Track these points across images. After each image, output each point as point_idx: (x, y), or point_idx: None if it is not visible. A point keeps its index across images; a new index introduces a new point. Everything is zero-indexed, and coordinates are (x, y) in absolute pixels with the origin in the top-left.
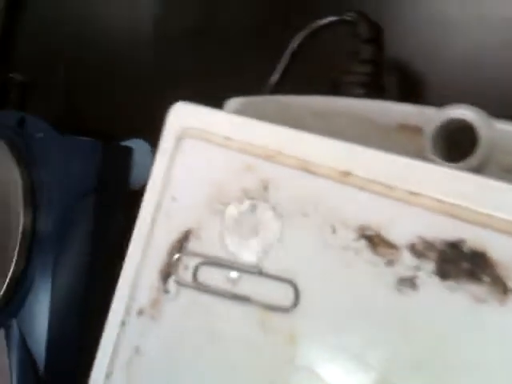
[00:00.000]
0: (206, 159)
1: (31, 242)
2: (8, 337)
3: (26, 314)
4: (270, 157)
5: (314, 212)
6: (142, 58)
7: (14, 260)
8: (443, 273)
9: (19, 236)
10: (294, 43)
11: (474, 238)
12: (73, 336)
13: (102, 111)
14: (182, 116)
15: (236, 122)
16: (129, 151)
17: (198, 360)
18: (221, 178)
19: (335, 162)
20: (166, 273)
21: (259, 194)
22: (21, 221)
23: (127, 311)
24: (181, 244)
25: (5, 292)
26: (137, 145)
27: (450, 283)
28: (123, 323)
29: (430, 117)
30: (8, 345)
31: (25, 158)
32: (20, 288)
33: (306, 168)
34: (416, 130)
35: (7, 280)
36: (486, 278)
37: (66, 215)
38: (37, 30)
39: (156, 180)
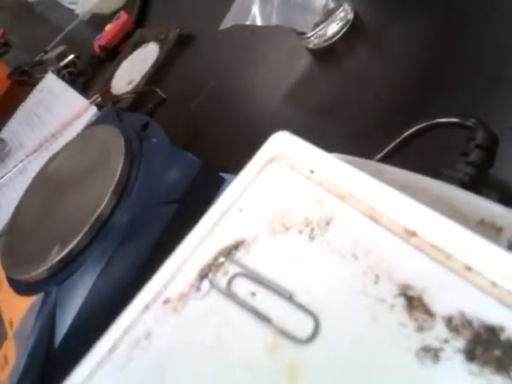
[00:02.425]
0: (285, 184)
1: (102, 226)
2: (44, 301)
3: (67, 288)
4: (342, 196)
5: (364, 257)
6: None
7: (81, 235)
8: (471, 354)
9: (95, 216)
10: (408, 132)
11: None
12: (97, 327)
13: (214, 144)
14: (280, 142)
15: (323, 158)
16: (221, 180)
17: (198, 361)
18: (291, 203)
19: (404, 219)
20: (205, 272)
21: (320, 227)
22: (103, 203)
23: (155, 297)
24: (229, 251)
25: (60, 260)
26: (231, 179)
27: (474, 367)
28: (147, 307)
29: None
30: (40, 309)
31: (132, 151)
32: (74, 262)
33: (372, 215)
34: (497, 229)
35: (67, 250)
36: None
37: (144, 214)
38: (195, 64)
39: (232, 190)
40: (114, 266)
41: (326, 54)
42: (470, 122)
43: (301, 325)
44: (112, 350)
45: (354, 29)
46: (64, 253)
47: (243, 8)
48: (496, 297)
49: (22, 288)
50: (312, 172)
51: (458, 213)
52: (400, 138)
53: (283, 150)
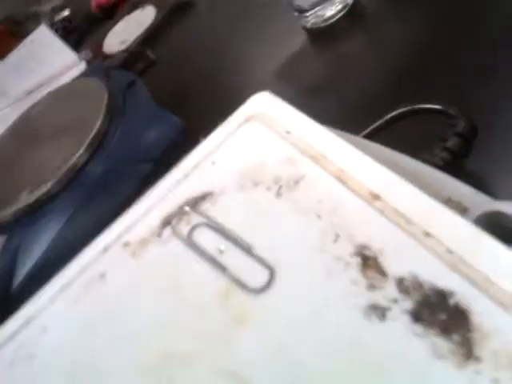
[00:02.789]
0: (260, 142)
1: (73, 176)
2: (7, 243)
3: (31, 233)
4: (315, 158)
5: (327, 216)
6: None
7: (51, 183)
8: (417, 315)
9: (68, 165)
10: (392, 114)
11: (464, 294)
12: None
13: (198, 110)
14: (261, 102)
15: (301, 119)
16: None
17: (150, 305)
18: (263, 161)
19: (370, 182)
20: (168, 220)
21: (288, 186)
22: (77, 153)
23: (115, 240)
24: (196, 201)
25: (27, 205)
26: None
27: (419, 328)
28: (106, 248)
29: (481, 202)
30: (2, 250)
31: (114, 106)
32: (41, 208)
33: (341, 177)
34: (462, 209)
35: (35, 196)
36: (456, 337)
37: (118, 170)
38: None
39: (207, 144)
40: (80, 217)
41: (321, 35)
42: (452, 111)
43: (256, 276)
44: (65, 287)
45: (352, 13)
46: (32, 198)
47: None
48: (450, 263)
49: None
50: (288, 133)
51: (427, 188)
52: (385, 119)
53: (263, 109)
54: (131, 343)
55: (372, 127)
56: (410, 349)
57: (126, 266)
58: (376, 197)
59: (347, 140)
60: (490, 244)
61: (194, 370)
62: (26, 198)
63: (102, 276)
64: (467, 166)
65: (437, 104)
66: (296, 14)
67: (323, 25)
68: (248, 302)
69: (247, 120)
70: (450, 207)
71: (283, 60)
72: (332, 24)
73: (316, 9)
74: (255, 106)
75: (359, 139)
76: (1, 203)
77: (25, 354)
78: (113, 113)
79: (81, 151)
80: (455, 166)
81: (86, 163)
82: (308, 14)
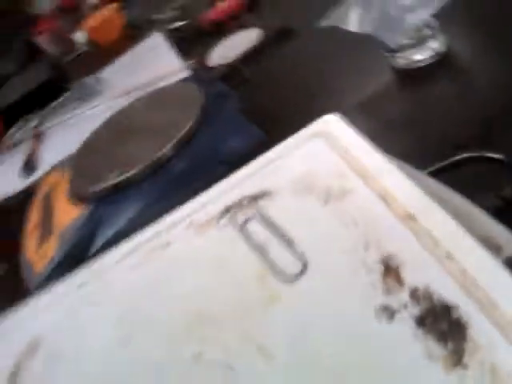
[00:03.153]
0: (320, 156)
1: (158, 168)
2: (90, 214)
3: (113, 210)
4: (364, 176)
5: (364, 227)
6: None
7: (138, 169)
8: (421, 321)
9: (154, 157)
10: (458, 157)
11: (467, 310)
12: None
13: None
14: (330, 122)
15: (361, 143)
16: None
17: (200, 273)
18: (319, 172)
19: (409, 204)
20: (228, 209)
21: (336, 196)
22: (164, 148)
23: (182, 218)
24: (255, 197)
25: (115, 184)
26: None
27: (420, 332)
28: (172, 225)
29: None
30: (86, 220)
31: (205, 109)
32: (125, 189)
33: (384, 197)
34: (496, 247)
35: (122, 177)
36: (451, 345)
37: (199, 169)
38: (287, 56)
39: (274, 152)
40: (157, 203)
41: (408, 77)
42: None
43: (291, 267)
44: (131, 251)
45: (443, 60)
46: (119, 179)
47: (344, 12)
48: (461, 283)
49: (78, 198)
50: (346, 152)
51: (467, 223)
52: (450, 161)
53: (330, 128)
54: (178, 302)
55: (438, 166)
56: (409, 349)
57: (187, 241)
58: (411, 217)
59: (402, 169)
60: (504, 276)
61: (223, 332)
62: (114, 179)
63: (166, 246)
64: None
65: (502, 154)
66: (387, 53)
67: (411, 67)
68: (280, 287)
69: (314, 135)
70: (484, 243)
71: (368, 93)
72: (421, 67)
73: (407, 51)
74: (324, 124)
75: (415, 171)
76: (93, 179)
77: (91, 301)
78: (203, 117)
79: (168, 147)
80: (506, 214)
81: (171, 158)
82: (398, 54)
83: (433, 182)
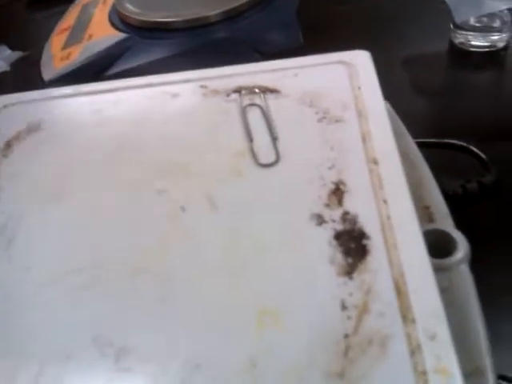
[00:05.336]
0: (334, 81)
1: (202, 28)
2: (122, 41)
3: (142, 45)
4: (360, 115)
5: (337, 153)
6: None
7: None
8: (338, 235)
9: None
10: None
11: (375, 244)
12: None
13: None
14: (358, 57)
15: (374, 88)
16: None
17: (181, 127)
18: (327, 94)
19: (380, 151)
20: (240, 90)
21: (330, 119)
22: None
23: (199, 80)
24: (265, 90)
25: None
26: None
27: (334, 242)
28: (186, 80)
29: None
30: (115, 43)
31: None
32: (162, 31)
33: (365, 138)
34: (429, 217)
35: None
36: (350, 260)
37: (234, 46)
38: None
39: (301, 61)
40: (185, 59)
41: (458, 55)
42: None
43: (266, 157)
44: (144, 86)
45: (497, 54)
46: (166, 20)
47: None
48: (382, 224)
49: (116, 20)
50: (359, 88)
51: (417, 184)
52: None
53: (354, 61)
54: (162, 144)
55: (430, 140)
56: (320, 250)
57: (193, 99)
58: (375, 161)
59: (395, 127)
60: (416, 240)
61: (187, 181)
62: (161, 18)
63: (174, 96)
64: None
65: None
66: (451, 25)
67: (467, 48)
68: (250, 168)
69: (340, 62)
70: (420, 210)
71: (415, 53)
72: (475, 52)
73: (469, 33)
74: (353, 57)
75: (406, 133)
76: (140, 9)
77: (93, 109)
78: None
79: (219, 11)
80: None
81: (218, 23)
82: (459, 31)
83: (414, 148)
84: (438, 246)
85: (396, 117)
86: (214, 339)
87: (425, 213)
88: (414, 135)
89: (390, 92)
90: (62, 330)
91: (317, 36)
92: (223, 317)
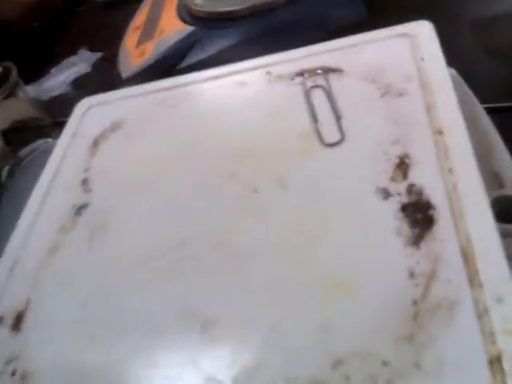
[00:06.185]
0: (398, 55)
1: (266, 13)
2: (190, 35)
3: (210, 37)
4: (424, 87)
5: (402, 127)
6: None
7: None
8: (405, 208)
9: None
10: None
11: (441, 213)
12: None
13: None
14: (420, 28)
15: (438, 58)
16: None
17: (254, 112)
18: (390, 68)
19: (445, 121)
20: (303, 73)
21: (392, 94)
22: None
23: (263, 66)
24: (327, 70)
25: (221, 13)
26: None
27: (400, 215)
28: (253, 68)
29: None
30: (183, 38)
31: None
32: (228, 22)
33: (430, 109)
34: (500, 183)
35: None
36: (416, 231)
37: (299, 29)
38: None
39: (362, 37)
40: (251, 45)
41: None
42: None
43: (331, 136)
44: (214, 78)
45: None
46: (229, 9)
47: None
48: (449, 194)
49: (184, 14)
50: (422, 60)
51: (484, 155)
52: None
53: (417, 33)
54: (233, 132)
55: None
56: (387, 222)
57: (260, 86)
58: (440, 132)
59: (462, 95)
60: (484, 209)
61: (257, 165)
62: (224, 7)
63: (242, 84)
64: None
65: None
66: None
67: None
68: (316, 148)
69: (402, 35)
70: (490, 176)
71: (488, 15)
72: None
73: None
74: (415, 28)
75: (473, 98)
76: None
77: (169, 104)
78: None
79: None
80: None
81: (282, 7)
82: None
83: (483, 114)
84: (509, 211)
85: (463, 83)
86: (288, 308)
87: (495, 179)
88: (483, 100)
89: (458, 57)
90: (154, 306)
91: (382, 7)
92: (297, 287)
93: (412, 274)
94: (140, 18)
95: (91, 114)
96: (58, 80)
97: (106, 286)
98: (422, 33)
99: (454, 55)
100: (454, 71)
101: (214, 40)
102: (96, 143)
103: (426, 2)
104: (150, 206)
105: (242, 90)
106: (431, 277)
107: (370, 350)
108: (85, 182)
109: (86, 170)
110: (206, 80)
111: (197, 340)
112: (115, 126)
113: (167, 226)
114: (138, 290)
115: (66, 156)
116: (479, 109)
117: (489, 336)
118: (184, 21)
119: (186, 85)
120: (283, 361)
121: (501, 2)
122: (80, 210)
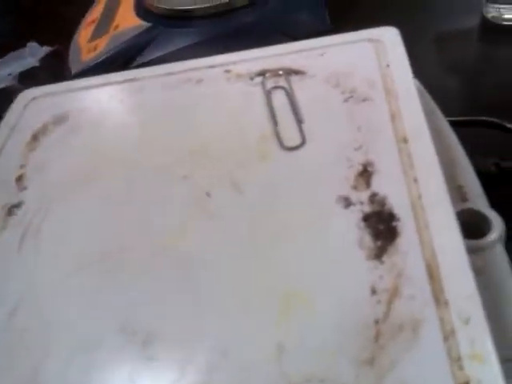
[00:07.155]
0: (362, 60)
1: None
2: (146, 31)
3: (168, 35)
4: (388, 94)
5: (366, 132)
6: None
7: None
8: (367, 217)
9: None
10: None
11: (405, 225)
12: None
13: None
14: (387, 34)
15: (403, 65)
16: None
17: (206, 114)
18: (354, 73)
19: (409, 129)
20: (264, 72)
21: (356, 99)
22: None
23: (222, 64)
24: (290, 72)
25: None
26: None
27: (362, 225)
28: (211, 66)
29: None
30: (140, 33)
31: None
32: (190, 20)
33: (394, 116)
34: (463, 196)
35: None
36: (379, 243)
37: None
38: None
39: (327, 40)
40: (209, 46)
41: (490, 29)
42: None
43: (291, 140)
44: (168, 74)
45: None
46: (191, 7)
47: None
48: (413, 205)
49: (141, 10)
50: (387, 66)
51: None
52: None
53: (383, 39)
54: (186, 130)
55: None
56: (349, 232)
57: (217, 84)
58: (405, 140)
59: (425, 104)
60: (448, 218)
61: (211, 167)
62: (185, 5)
63: (198, 81)
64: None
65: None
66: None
67: (498, 22)
68: (275, 152)
69: (368, 40)
70: (454, 190)
71: (445, 30)
72: (506, 26)
73: (502, 5)
74: (381, 34)
75: (437, 110)
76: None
77: (119, 98)
78: None
79: None
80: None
81: (244, 8)
82: (491, 4)
83: (446, 126)
84: (472, 226)
85: (427, 94)
86: (240, 324)
87: (458, 192)
88: (446, 113)
89: (421, 69)
90: (89, 317)
91: (345, 15)
92: (250, 300)
93: (374, 290)
94: (95, 12)
95: (33, 107)
96: (4, 72)
97: (37, 294)
98: (388, 39)
99: (415, 66)
100: (418, 82)
101: (171, 38)
102: (35, 137)
103: (391, 15)
104: (89, 206)
105: (198, 88)
106: (394, 293)
107: (327, 375)
108: (19, 179)
109: (22, 166)
110: (160, 76)
111: (136, 357)
112: (59, 120)
113: (107, 229)
114: (73, 299)
115: (0, 151)
116: (443, 121)
117: (456, 361)
118: (141, 17)
119: (137, 80)
120: None
121: (465, 19)
122: (12, 209)
